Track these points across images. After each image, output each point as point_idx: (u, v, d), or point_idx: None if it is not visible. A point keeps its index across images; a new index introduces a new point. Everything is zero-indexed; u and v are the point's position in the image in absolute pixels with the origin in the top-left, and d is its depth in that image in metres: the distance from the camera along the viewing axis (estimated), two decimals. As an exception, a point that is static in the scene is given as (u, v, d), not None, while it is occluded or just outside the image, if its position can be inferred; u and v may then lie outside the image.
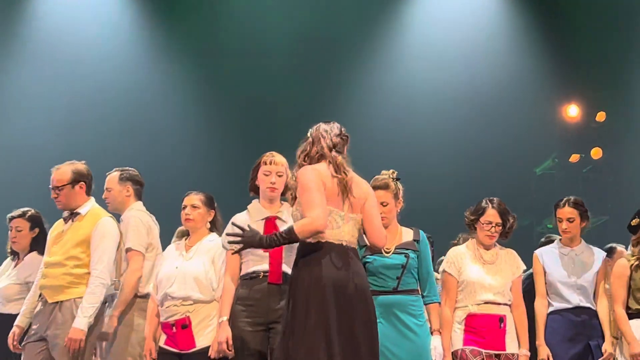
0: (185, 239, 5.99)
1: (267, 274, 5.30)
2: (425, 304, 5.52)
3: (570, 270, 6.40)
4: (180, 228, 6.25)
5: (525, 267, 6.04)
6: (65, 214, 6.09)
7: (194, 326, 5.67)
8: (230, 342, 5.22)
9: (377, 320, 4.91)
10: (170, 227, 6.58)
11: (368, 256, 5.40)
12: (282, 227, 5.07)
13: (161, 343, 5.79)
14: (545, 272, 6.39)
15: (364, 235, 5.21)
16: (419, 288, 5.50)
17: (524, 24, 13.38)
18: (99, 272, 5.83)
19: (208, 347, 5.49)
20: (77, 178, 6.05)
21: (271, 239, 4.65)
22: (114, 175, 6.58)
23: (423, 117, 12.65)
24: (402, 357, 5.29)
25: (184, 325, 5.67)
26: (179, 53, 13.17)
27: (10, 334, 6.15)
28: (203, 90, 13.10)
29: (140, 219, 6.38)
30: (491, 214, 5.83)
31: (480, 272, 5.76)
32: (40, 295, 5.95)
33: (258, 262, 5.33)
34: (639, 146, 12.84)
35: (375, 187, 5.34)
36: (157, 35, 13.19)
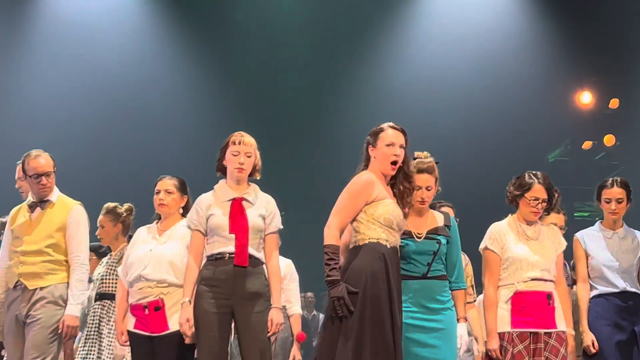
0: (157, 223, 5.82)
1: (233, 255, 5.21)
2: (452, 290, 5.31)
3: (615, 253, 6.23)
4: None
5: (567, 243, 5.81)
6: (30, 202, 6.01)
7: (167, 309, 5.50)
8: (192, 323, 5.15)
9: (405, 305, 5.04)
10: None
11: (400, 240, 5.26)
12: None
13: (130, 327, 5.62)
14: (588, 256, 6.21)
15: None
16: (446, 274, 5.33)
17: (538, 11, 13.33)
18: (82, 259, 5.87)
19: (180, 331, 5.38)
20: (55, 165, 6.04)
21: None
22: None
23: (438, 105, 12.56)
24: (428, 342, 5.11)
25: (157, 307, 5.52)
26: (193, 46, 13.17)
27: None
28: (216, 83, 13.09)
29: None
30: (537, 190, 5.55)
31: (525, 249, 5.54)
32: (17, 282, 5.84)
33: (224, 243, 5.24)
34: (650, 134, 12.89)
35: (420, 171, 5.22)
36: (170, 30, 13.17)
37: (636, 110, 13.08)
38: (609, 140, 13.04)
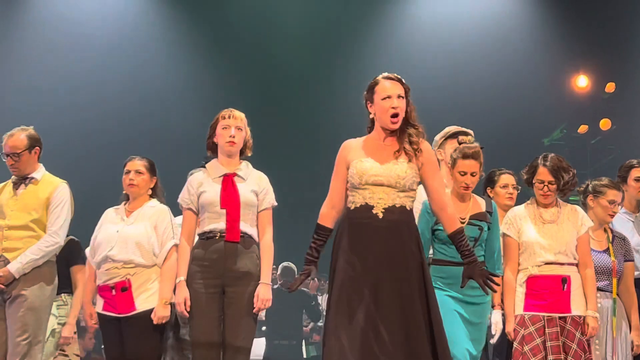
0: (125, 204, 5.78)
1: (224, 233, 5.17)
2: None
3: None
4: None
5: (591, 224, 5.67)
6: (14, 179, 5.96)
7: (134, 289, 5.50)
8: (189, 302, 5.13)
9: (443, 290, 5.04)
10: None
11: (440, 224, 5.01)
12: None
13: (99, 309, 5.63)
14: None
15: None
16: (484, 260, 5.23)
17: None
18: (53, 232, 5.82)
19: (148, 311, 5.43)
20: (33, 144, 5.96)
21: None
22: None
23: (438, 91, 12.41)
24: (462, 315, 5.10)
25: (124, 287, 5.50)
26: (195, 40, 13.21)
27: None
28: (218, 77, 13.11)
29: None
30: (542, 172, 5.45)
31: (539, 232, 5.43)
32: (0, 257, 5.78)
33: (215, 219, 5.20)
34: (646, 118, 12.80)
35: (466, 156, 5.13)
36: (173, 27, 13.20)
37: (632, 94, 13.00)
38: (605, 124, 12.92)
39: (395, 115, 4.57)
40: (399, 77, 4.68)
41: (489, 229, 5.21)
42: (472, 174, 5.16)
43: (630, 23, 13.02)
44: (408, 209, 4.55)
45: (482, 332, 5.18)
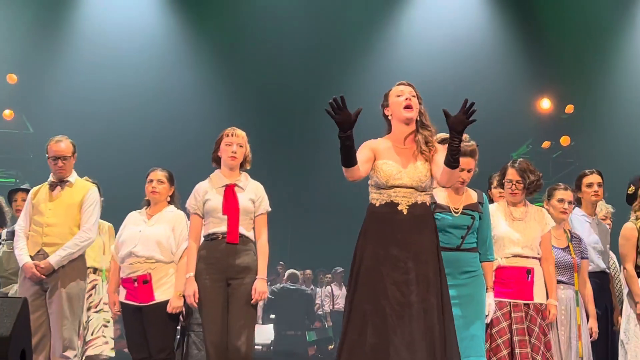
0: (146, 209, 5.81)
1: (225, 235, 5.21)
2: (481, 262, 5.08)
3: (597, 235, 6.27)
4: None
5: (554, 224, 5.62)
6: (50, 181, 5.94)
7: (154, 282, 5.53)
8: (197, 295, 5.17)
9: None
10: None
11: (437, 213, 4.96)
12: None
13: (121, 298, 5.65)
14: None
15: (433, 195, 4.88)
16: (477, 247, 5.10)
17: (504, 31, 13.27)
18: (87, 229, 5.81)
19: (165, 301, 5.49)
20: (74, 151, 5.98)
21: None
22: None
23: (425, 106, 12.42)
24: (458, 297, 4.89)
25: (145, 280, 5.54)
26: (208, 53, 13.08)
27: (27, 268, 5.74)
28: (229, 86, 13.01)
29: None
30: (510, 173, 5.41)
31: (509, 228, 5.36)
32: (38, 252, 5.73)
33: (217, 224, 5.24)
34: (602, 135, 12.78)
35: (464, 154, 4.89)
36: (189, 39, 13.07)
37: (588, 115, 13.03)
38: (564, 140, 12.94)
39: (408, 107, 4.46)
40: (411, 83, 4.59)
41: (480, 218, 5.07)
42: (468, 170, 5.03)
43: (587, 56, 13.06)
44: (428, 204, 4.48)
45: (479, 308, 5.01)
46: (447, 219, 4.98)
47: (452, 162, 4.25)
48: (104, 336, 6.36)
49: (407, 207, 4.39)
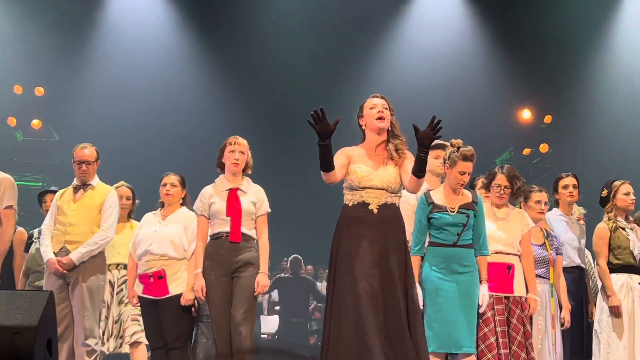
0: (161, 210, 5.82)
1: (229, 234, 5.26)
2: (476, 256, 5.10)
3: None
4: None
5: (534, 225, 5.62)
6: (74, 185, 5.96)
7: (168, 277, 5.55)
8: (205, 289, 5.23)
9: (439, 268, 4.92)
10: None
11: (435, 213, 5.01)
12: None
13: (139, 292, 5.66)
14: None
15: (430, 194, 5.01)
16: (472, 243, 5.11)
17: (489, 48, 13.22)
18: (106, 228, 5.82)
19: (179, 295, 5.51)
20: (98, 157, 6.01)
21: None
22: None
23: (408, 113, 12.39)
24: (454, 290, 4.96)
25: (160, 276, 5.56)
26: (216, 68, 13.04)
27: (51, 264, 5.76)
28: (235, 97, 12.98)
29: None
30: (500, 178, 5.40)
31: (492, 227, 5.35)
32: (61, 249, 5.74)
33: (222, 225, 5.29)
34: (578, 143, 12.77)
35: (466, 158, 5.01)
36: (199, 55, 13.06)
37: (565, 125, 13.00)
38: (543, 148, 12.93)
39: (380, 118, 4.52)
40: (384, 95, 4.64)
41: (475, 216, 5.08)
42: (468, 174, 5.04)
43: (563, 71, 13.03)
44: (397, 206, 4.51)
45: (473, 300, 5.04)
46: (445, 218, 5.00)
47: (418, 172, 4.31)
48: (140, 324, 6.36)
49: (377, 207, 4.43)
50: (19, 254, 6.71)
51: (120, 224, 6.18)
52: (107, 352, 6.04)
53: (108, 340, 5.94)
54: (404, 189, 4.58)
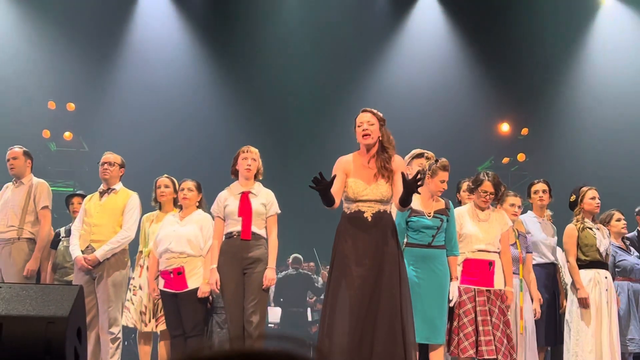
0: (179, 212, 5.84)
1: (240, 233, 5.25)
2: (448, 256, 5.15)
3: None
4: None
5: (511, 224, 5.63)
6: (101, 189, 5.97)
7: (187, 273, 5.56)
8: (219, 283, 5.25)
9: (414, 266, 4.92)
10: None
11: (413, 216, 5.05)
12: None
13: (160, 287, 5.68)
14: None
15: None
16: (445, 244, 5.15)
17: (471, 67, 13.22)
18: (127, 228, 5.82)
19: (196, 289, 5.53)
20: (122, 165, 6.02)
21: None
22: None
23: (406, 125, 12.38)
24: (427, 286, 5.00)
25: (179, 272, 5.57)
26: (229, 82, 13.02)
27: (79, 261, 5.78)
28: (250, 110, 12.95)
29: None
30: (487, 185, 5.39)
31: (475, 227, 5.37)
32: (88, 246, 5.75)
33: (234, 224, 5.29)
34: (551, 153, 12.79)
35: (445, 168, 5.08)
36: (214, 70, 13.02)
37: (540, 137, 12.99)
38: (521, 157, 12.89)
39: (365, 135, 4.52)
40: (372, 109, 4.61)
41: (447, 221, 5.12)
42: (446, 182, 5.09)
43: (539, 88, 13.04)
44: (389, 213, 4.55)
45: (443, 296, 5.07)
46: (421, 221, 5.03)
47: (402, 207, 4.43)
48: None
49: (371, 215, 4.46)
50: (46, 250, 6.73)
51: (163, 213, 6.08)
52: (152, 331, 6.01)
53: (150, 321, 5.92)
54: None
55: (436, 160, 5.15)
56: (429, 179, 5.11)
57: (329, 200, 4.29)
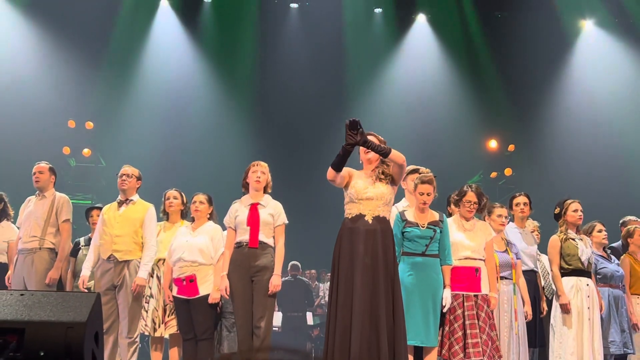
0: (192, 223, 5.80)
1: (248, 241, 5.22)
2: (441, 265, 5.13)
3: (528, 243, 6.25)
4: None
5: (495, 234, 5.63)
6: (119, 200, 5.93)
7: (198, 280, 5.53)
8: (229, 290, 5.22)
9: (408, 273, 4.92)
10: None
11: (407, 227, 5.05)
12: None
13: (174, 293, 5.64)
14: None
15: (404, 213, 5.06)
16: (438, 253, 5.14)
17: (461, 89, 13.30)
18: (150, 243, 5.77)
19: (206, 295, 5.50)
20: (139, 177, 6.00)
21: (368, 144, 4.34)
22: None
23: (394, 139, 12.44)
24: (422, 292, 4.99)
25: (191, 279, 5.53)
26: (238, 100, 13.10)
27: (81, 280, 5.84)
28: (255, 123, 13.01)
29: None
30: (470, 196, 5.39)
31: (462, 236, 5.36)
32: (109, 257, 5.73)
33: (243, 234, 5.26)
34: (536, 168, 12.85)
35: (423, 182, 5.06)
36: (224, 90, 13.07)
37: (525, 153, 13.04)
38: (507, 171, 12.92)
39: (368, 159, 4.69)
40: (370, 132, 4.67)
41: (441, 232, 5.12)
42: (427, 194, 5.07)
43: (525, 108, 13.10)
44: (387, 218, 4.56)
45: (436, 302, 5.06)
46: (415, 231, 5.03)
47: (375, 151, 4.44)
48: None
49: (371, 218, 4.48)
50: (66, 260, 6.71)
51: (170, 223, 6.09)
52: (160, 336, 5.99)
53: (159, 326, 5.89)
54: (394, 204, 4.68)
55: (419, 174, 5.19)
56: (413, 192, 5.18)
57: (344, 160, 4.33)
